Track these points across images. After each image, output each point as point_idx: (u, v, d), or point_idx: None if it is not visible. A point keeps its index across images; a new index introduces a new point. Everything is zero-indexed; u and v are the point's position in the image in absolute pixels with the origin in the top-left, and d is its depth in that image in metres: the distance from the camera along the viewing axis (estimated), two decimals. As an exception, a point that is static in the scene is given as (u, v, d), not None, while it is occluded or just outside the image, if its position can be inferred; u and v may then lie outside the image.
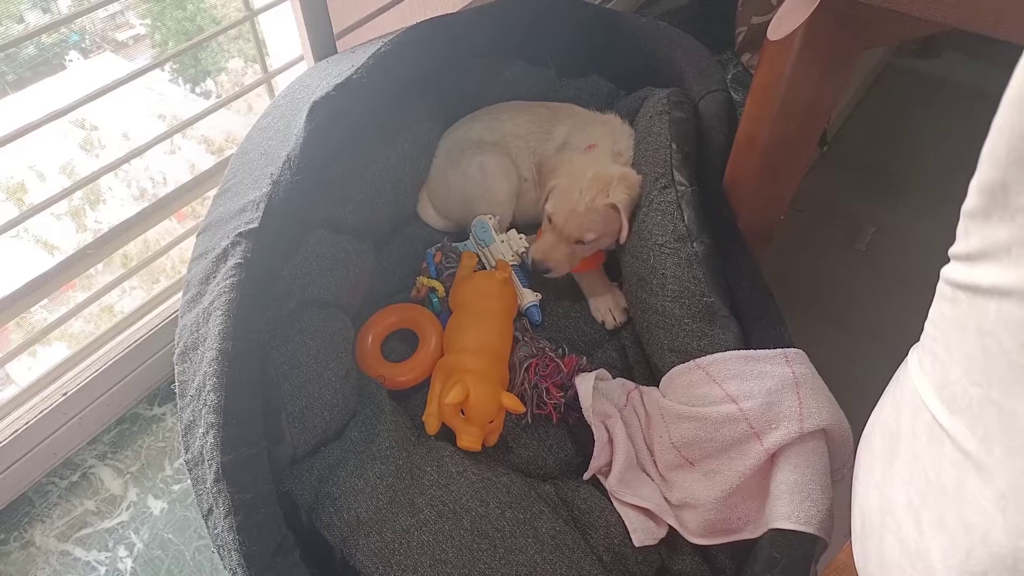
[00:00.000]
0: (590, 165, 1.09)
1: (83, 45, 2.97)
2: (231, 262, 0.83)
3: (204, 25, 3.06)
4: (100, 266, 1.33)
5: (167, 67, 2.95)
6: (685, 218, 0.98)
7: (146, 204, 1.14)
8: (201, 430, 0.76)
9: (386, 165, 1.11)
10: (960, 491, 0.48)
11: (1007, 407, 0.41)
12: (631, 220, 1.08)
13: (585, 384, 0.98)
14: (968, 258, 0.43)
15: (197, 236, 0.92)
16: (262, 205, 0.86)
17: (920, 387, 0.53)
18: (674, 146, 1.04)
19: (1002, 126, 0.38)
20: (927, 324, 0.52)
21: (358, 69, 0.97)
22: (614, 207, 1.06)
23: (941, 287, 0.48)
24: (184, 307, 0.87)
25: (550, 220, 1.10)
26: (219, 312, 0.79)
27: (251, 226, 0.85)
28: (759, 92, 0.93)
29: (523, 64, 1.36)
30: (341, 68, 0.98)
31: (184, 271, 1.22)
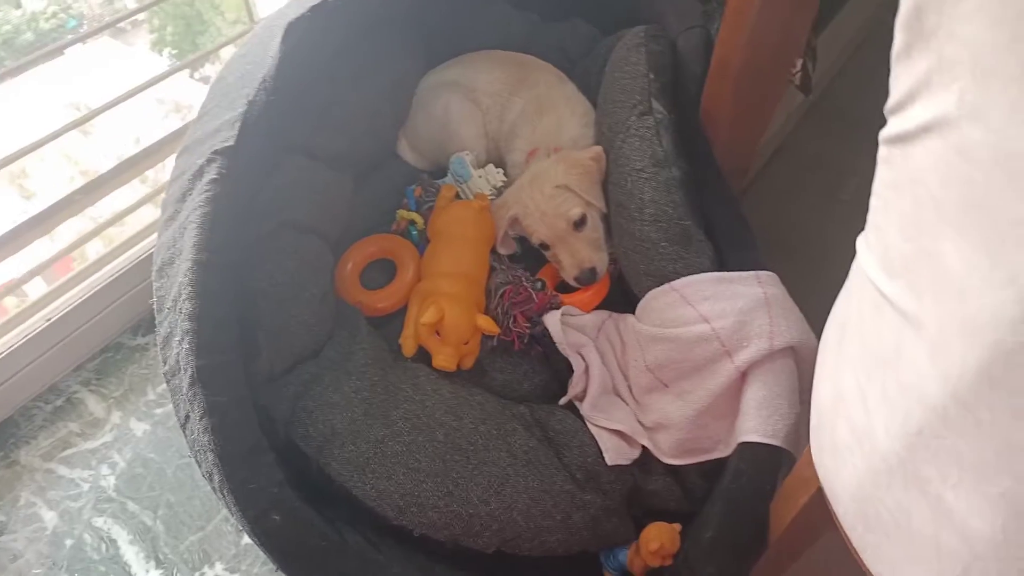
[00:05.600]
0: (523, 178, 1.11)
1: (81, 30, 2.95)
2: (206, 178, 0.84)
3: (202, 9, 3.02)
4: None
5: (165, 52, 2.92)
6: (663, 143, 0.99)
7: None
8: (177, 339, 0.77)
9: (364, 97, 1.12)
10: (899, 354, 0.49)
11: (934, 251, 0.42)
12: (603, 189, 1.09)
13: (552, 320, 1.00)
14: (898, 107, 0.44)
15: (176, 159, 0.93)
16: (237, 124, 0.87)
17: (865, 264, 0.54)
18: (651, 75, 1.04)
19: None
20: (871, 200, 0.53)
21: (335, -7, 0.97)
22: (563, 187, 1.05)
23: (879, 152, 0.49)
24: (162, 226, 0.88)
25: (544, 243, 1.09)
26: (194, 225, 0.80)
27: (226, 144, 0.85)
28: (732, 15, 0.93)
29: (506, 6, 1.36)
30: (318, -6, 0.98)
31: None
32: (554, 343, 0.99)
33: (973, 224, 0.38)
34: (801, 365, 0.91)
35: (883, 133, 0.47)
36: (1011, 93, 0.34)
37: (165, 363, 0.81)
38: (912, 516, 0.51)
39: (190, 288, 0.77)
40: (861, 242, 0.56)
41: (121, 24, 3.02)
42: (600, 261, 1.07)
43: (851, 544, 0.61)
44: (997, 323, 0.38)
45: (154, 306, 0.84)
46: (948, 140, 0.38)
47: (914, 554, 0.52)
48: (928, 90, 0.40)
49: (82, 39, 1.55)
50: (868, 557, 0.58)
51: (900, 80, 0.43)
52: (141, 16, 2.98)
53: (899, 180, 0.45)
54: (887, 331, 0.50)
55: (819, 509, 0.68)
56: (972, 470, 0.44)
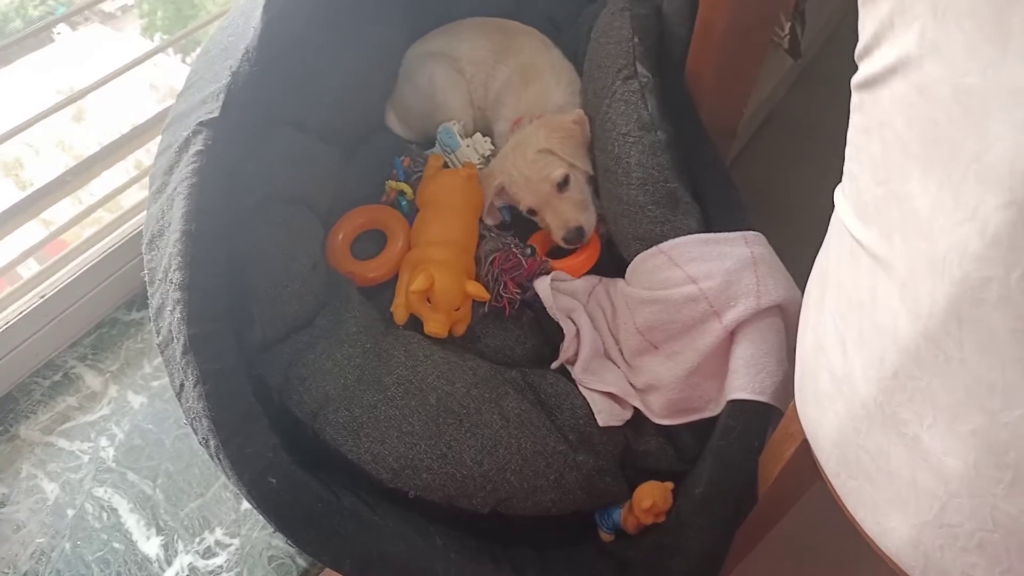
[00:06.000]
0: (507, 147, 1.12)
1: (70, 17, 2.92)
2: (192, 150, 0.84)
3: (191, -9, 2.96)
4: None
5: (156, 36, 2.90)
6: (648, 107, 0.99)
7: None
8: (168, 309, 0.78)
9: (350, 69, 1.11)
10: (873, 298, 0.50)
11: (902, 192, 0.43)
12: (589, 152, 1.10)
13: (542, 285, 1.01)
14: (865, 51, 0.44)
15: (162, 132, 0.93)
16: (222, 96, 0.86)
17: (842, 213, 0.55)
18: (636, 39, 1.04)
19: None
20: (846, 149, 0.53)
21: (316, -38, 0.96)
22: (545, 151, 1.06)
23: (852, 100, 0.49)
24: (151, 199, 0.88)
25: (531, 209, 1.10)
26: (181, 196, 0.81)
27: (211, 115, 0.85)
28: (717, -27, 0.93)
29: (493, -26, 1.35)
30: (300, -38, 0.97)
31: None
32: (545, 308, 1.00)
33: (936, 162, 0.39)
34: (788, 323, 0.92)
35: (854, 80, 0.47)
36: (966, 28, 0.35)
37: (158, 334, 0.81)
38: (891, 459, 0.52)
39: (180, 258, 0.77)
40: (838, 192, 0.57)
41: (111, 10, 2.97)
42: (587, 220, 1.07)
43: (835, 492, 0.62)
44: (961, 258, 0.39)
45: (145, 279, 0.85)
46: (910, 79, 0.39)
47: (893, 496, 0.53)
48: (891, 31, 0.40)
49: (67, 18, 1.52)
50: (851, 503, 0.60)
51: (866, 24, 0.43)
52: (130, 1, 2.95)
53: (869, 124, 0.46)
54: (862, 277, 0.51)
55: (805, 461, 0.69)
56: (945, 409, 0.45)
